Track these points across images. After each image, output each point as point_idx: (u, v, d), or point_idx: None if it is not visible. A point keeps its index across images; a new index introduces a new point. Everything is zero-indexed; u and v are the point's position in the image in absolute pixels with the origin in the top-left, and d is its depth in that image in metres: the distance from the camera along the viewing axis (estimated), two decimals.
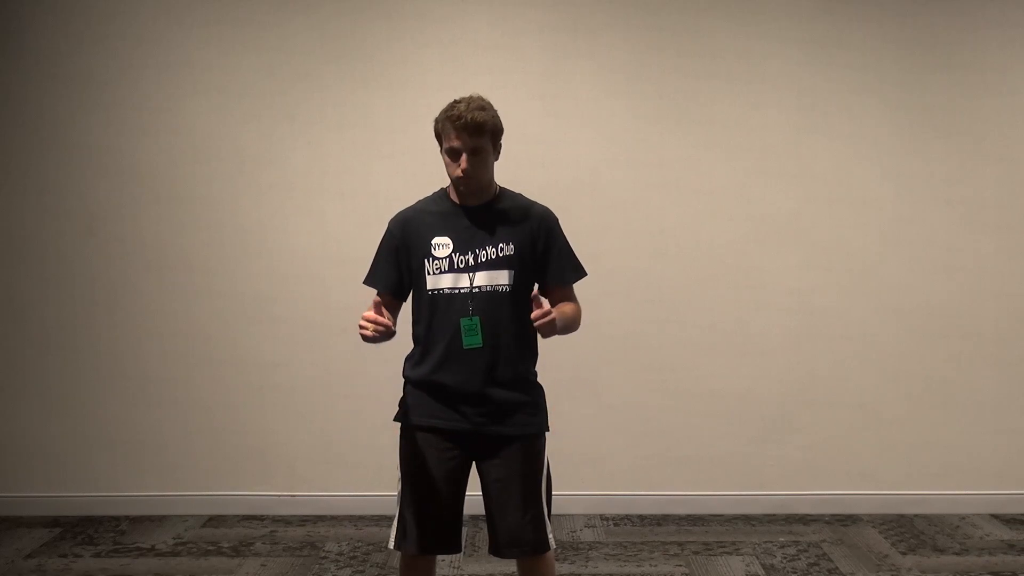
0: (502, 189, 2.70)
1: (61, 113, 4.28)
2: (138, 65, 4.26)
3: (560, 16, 4.27)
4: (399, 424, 2.73)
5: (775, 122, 4.33)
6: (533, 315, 2.44)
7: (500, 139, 2.62)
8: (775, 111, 4.33)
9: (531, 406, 2.67)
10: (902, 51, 4.31)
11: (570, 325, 2.68)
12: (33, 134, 4.29)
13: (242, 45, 4.26)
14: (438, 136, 2.59)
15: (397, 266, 2.67)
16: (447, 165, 2.60)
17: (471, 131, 2.51)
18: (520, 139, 4.20)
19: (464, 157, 2.53)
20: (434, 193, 2.73)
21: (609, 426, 4.40)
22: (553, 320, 2.45)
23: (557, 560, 3.82)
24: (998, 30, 4.32)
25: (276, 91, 4.28)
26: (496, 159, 2.64)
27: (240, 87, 4.28)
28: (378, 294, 2.69)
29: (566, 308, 2.68)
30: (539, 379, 2.74)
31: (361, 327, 2.44)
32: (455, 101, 2.56)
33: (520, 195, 2.73)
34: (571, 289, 2.76)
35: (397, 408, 2.73)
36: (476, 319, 2.56)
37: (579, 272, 2.77)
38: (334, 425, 4.39)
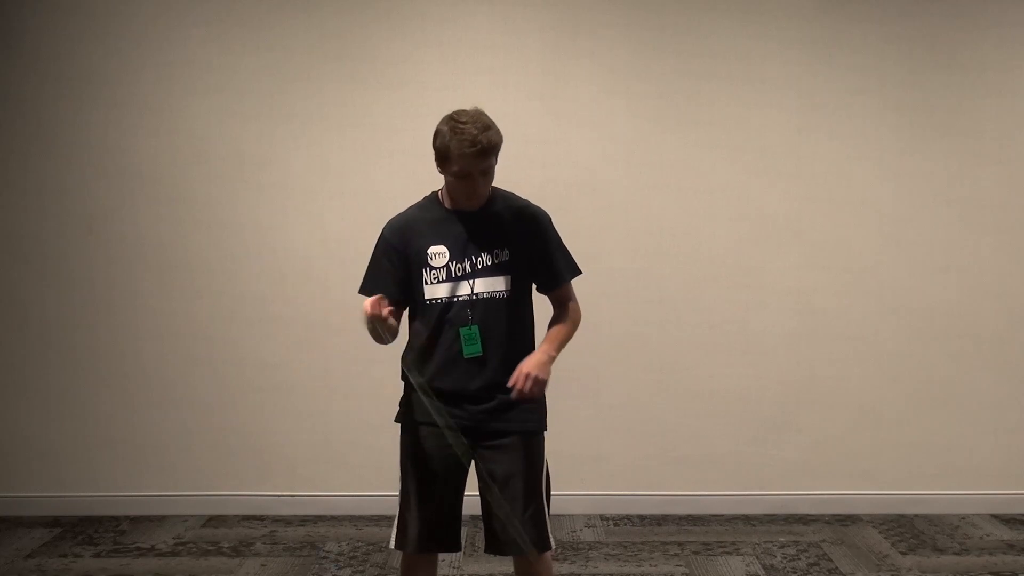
0: (494, 190, 2.68)
1: (61, 113, 4.27)
2: (138, 65, 4.26)
3: (560, 16, 4.27)
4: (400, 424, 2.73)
5: (775, 122, 4.33)
6: (515, 391, 2.52)
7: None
8: (775, 111, 4.32)
9: (528, 402, 2.66)
10: (902, 51, 4.31)
11: (565, 344, 2.69)
12: (33, 134, 4.29)
13: (242, 45, 4.26)
14: (442, 155, 2.53)
15: (395, 275, 2.65)
16: (451, 183, 2.57)
17: (484, 155, 2.50)
18: (519, 139, 4.19)
19: (475, 181, 2.53)
20: (424, 199, 2.71)
21: (609, 426, 4.40)
22: (536, 378, 2.52)
23: (557, 560, 3.82)
24: (998, 30, 4.32)
25: (276, 91, 4.28)
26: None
27: (240, 87, 4.28)
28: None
29: (559, 332, 2.69)
30: None
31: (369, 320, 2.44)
32: (457, 121, 2.50)
33: (512, 195, 2.72)
34: (568, 287, 2.74)
35: (397, 408, 2.73)
36: (475, 328, 2.56)
37: (573, 271, 2.74)
38: (334, 425, 4.39)
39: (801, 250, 4.38)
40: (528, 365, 2.54)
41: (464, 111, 2.54)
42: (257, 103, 4.28)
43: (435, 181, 2.78)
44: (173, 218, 4.32)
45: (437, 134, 2.54)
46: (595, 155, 4.32)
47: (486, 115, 2.55)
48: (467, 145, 2.47)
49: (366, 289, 2.67)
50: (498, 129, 2.55)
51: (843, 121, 4.33)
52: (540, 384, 2.54)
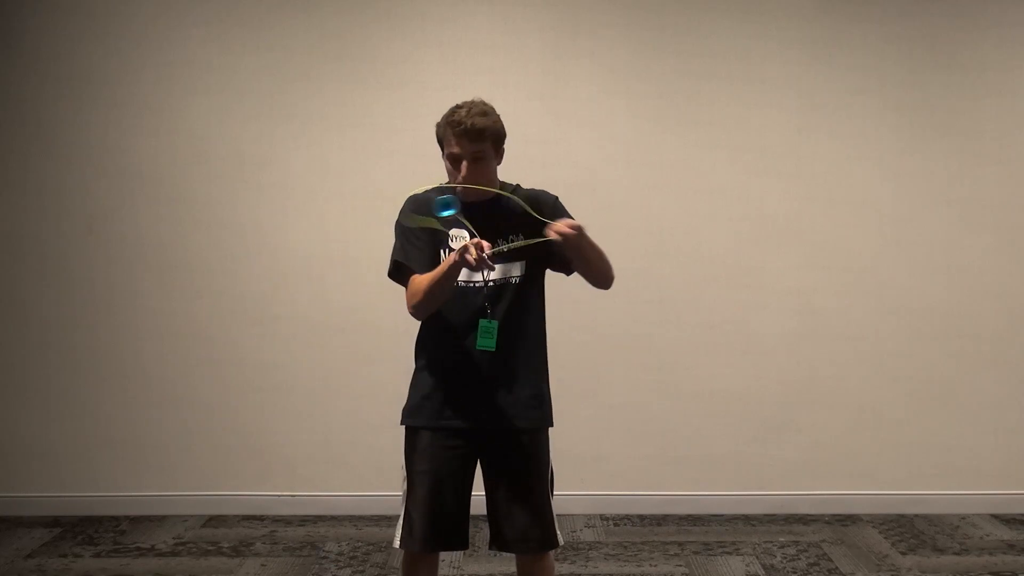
0: (503, 184, 2.68)
1: (61, 113, 4.28)
2: (138, 65, 4.26)
3: (560, 16, 4.28)
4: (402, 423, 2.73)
5: (775, 122, 4.33)
6: (556, 228, 2.39)
7: (503, 144, 2.60)
8: (775, 111, 4.33)
9: (536, 399, 2.66)
10: (902, 51, 4.31)
11: (596, 250, 2.57)
12: (33, 134, 4.29)
13: (242, 45, 4.27)
14: (440, 141, 2.58)
15: (428, 246, 2.59)
16: (449, 171, 2.58)
17: (471, 137, 2.49)
18: (520, 139, 4.17)
19: (464, 164, 2.52)
20: (444, 184, 2.67)
21: (609, 426, 4.40)
22: (577, 230, 2.40)
23: (557, 560, 3.82)
24: (998, 30, 4.32)
25: (276, 91, 4.28)
26: (499, 163, 2.62)
27: (240, 87, 4.28)
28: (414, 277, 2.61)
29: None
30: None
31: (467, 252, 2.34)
32: (456, 106, 2.54)
33: (518, 186, 2.71)
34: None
35: (400, 411, 2.72)
36: (495, 323, 2.55)
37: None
38: (334, 425, 4.39)
39: (801, 250, 4.38)
40: (575, 225, 2.44)
41: (467, 101, 2.56)
42: (257, 103, 4.28)
43: (434, 181, 2.77)
44: (173, 218, 4.32)
45: (438, 124, 2.58)
46: (595, 155, 4.32)
47: (488, 107, 2.56)
48: (455, 125, 2.49)
49: (405, 257, 2.60)
50: (497, 120, 2.55)
51: (843, 121, 4.33)
52: (574, 234, 2.42)
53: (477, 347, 2.55)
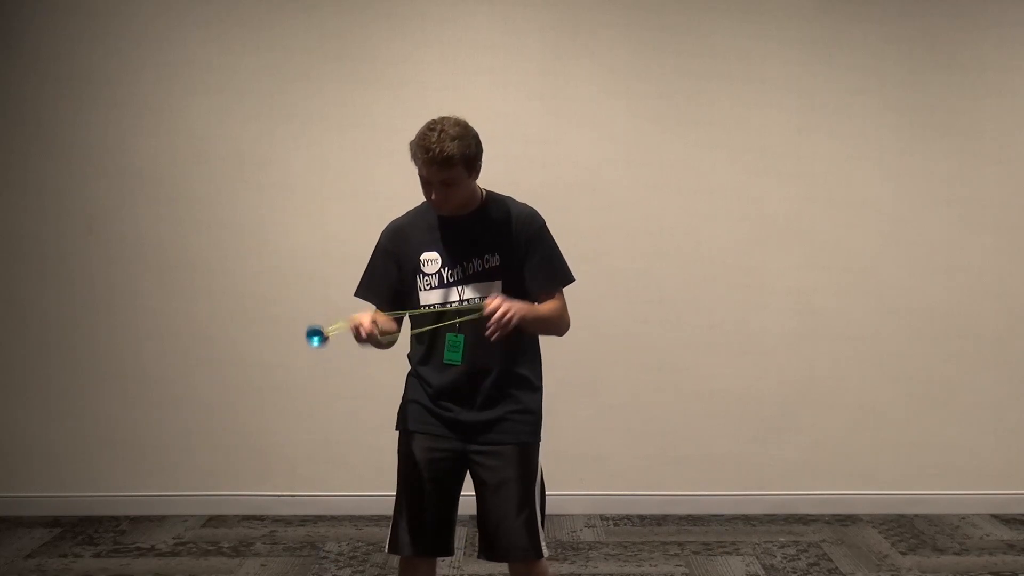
0: (489, 195, 2.65)
1: (61, 113, 4.28)
2: (138, 65, 4.26)
3: (560, 16, 4.27)
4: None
5: (775, 122, 4.33)
6: (489, 321, 2.41)
7: (478, 161, 2.54)
8: (775, 111, 4.33)
9: (523, 413, 2.63)
10: (902, 51, 4.31)
11: (544, 322, 2.59)
12: (33, 134, 4.29)
13: (242, 45, 4.26)
14: (413, 159, 2.51)
15: (390, 279, 2.65)
16: (422, 189, 2.55)
17: (440, 164, 2.44)
18: (520, 139, 4.20)
19: (434, 189, 2.49)
20: (422, 203, 2.66)
21: (609, 426, 4.40)
22: (506, 320, 2.40)
23: (557, 560, 3.82)
24: (998, 30, 4.32)
25: (276, 91, 4.28)
26: (475, 177, 2.57)
27: (240, 87, 4.28)
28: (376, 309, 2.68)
29: (546, 306, 2.60)
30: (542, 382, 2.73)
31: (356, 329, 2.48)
32: (428, 127, 2.46)
33: (508, 199, 2.67)
34: (556, 296, 2.65)
35: (397, 414, 2.73)
36: (461, 337, 2.56)
37: (562, 280, 2.67)
38: (334, 425, 4.39)
39: (801, 250, 4.38)
40: (515, 305, 2.43)
41: (444, 118, 2.50)
42: (257, 103, 4.28)
43: (416, 199, 2.76)
44: (173, 218, 4.32)
45: (411, 143, 2.52)
46: (595, 155, 4.32)
47: (459, 128, 2.48)
48: (422, 152, 2.45)
49: (361, 292, 2.71)
50: (470, 142, 2.48)
51: (843, 121, 4.33)
52: (505, 326, 2.41)
53: (444, 360, 2.57)
